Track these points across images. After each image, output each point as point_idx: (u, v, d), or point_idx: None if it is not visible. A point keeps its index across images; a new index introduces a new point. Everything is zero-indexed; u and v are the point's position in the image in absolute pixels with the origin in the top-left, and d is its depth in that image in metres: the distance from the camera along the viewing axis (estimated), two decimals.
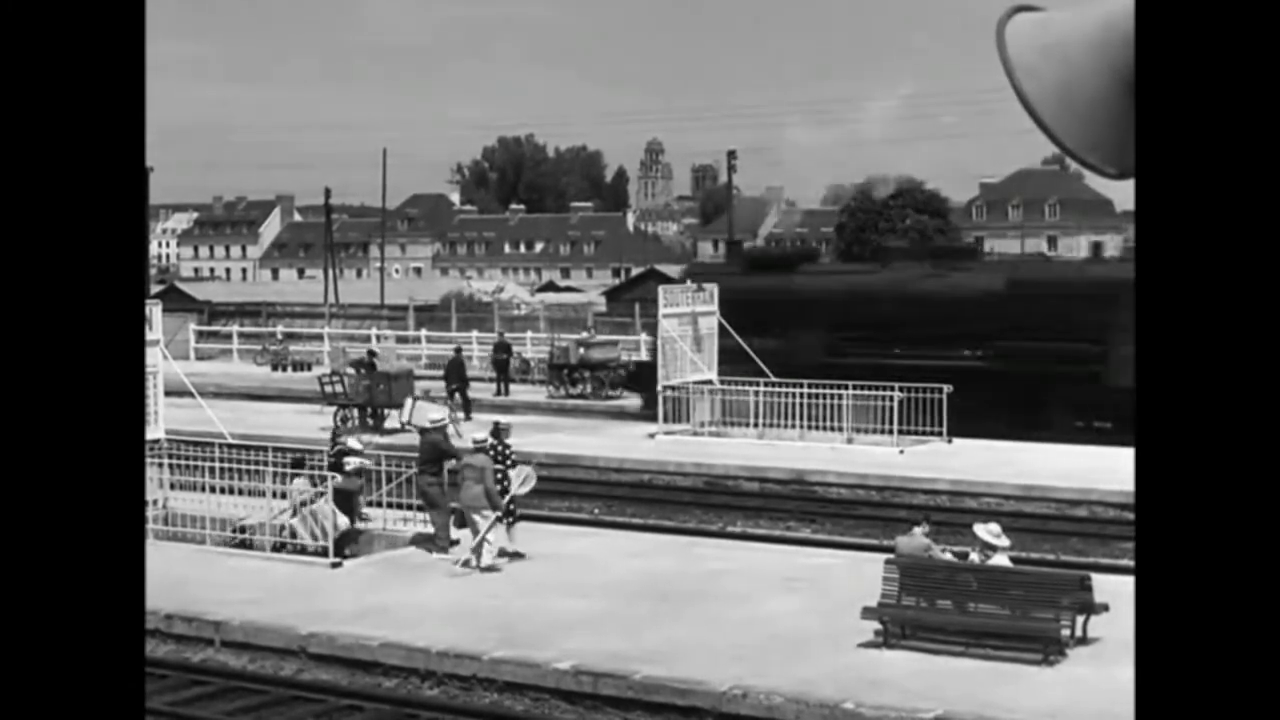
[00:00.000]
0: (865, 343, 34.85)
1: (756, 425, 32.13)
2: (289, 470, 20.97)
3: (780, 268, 39.99)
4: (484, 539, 19.35)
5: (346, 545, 20.26)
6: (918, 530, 17.26)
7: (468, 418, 35.24)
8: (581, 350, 42.55)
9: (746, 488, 28.51)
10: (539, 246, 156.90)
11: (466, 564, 19.33)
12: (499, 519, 19.62)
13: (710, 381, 33.32)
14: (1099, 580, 15.92)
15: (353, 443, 22.29)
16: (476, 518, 19.30)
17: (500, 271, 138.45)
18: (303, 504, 20.32)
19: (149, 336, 21.47)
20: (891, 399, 30.68)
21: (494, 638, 16.07)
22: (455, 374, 37.04)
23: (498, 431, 21.24)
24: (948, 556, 17.23)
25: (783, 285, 37.30)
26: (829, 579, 18.88)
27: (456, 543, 19.96)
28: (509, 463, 20.44)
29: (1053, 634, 15.12)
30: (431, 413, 23.23)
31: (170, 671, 16.30)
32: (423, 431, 21.83)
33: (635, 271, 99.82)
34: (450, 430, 22.22)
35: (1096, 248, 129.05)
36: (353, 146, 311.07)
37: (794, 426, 31.72)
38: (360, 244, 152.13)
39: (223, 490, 21.71)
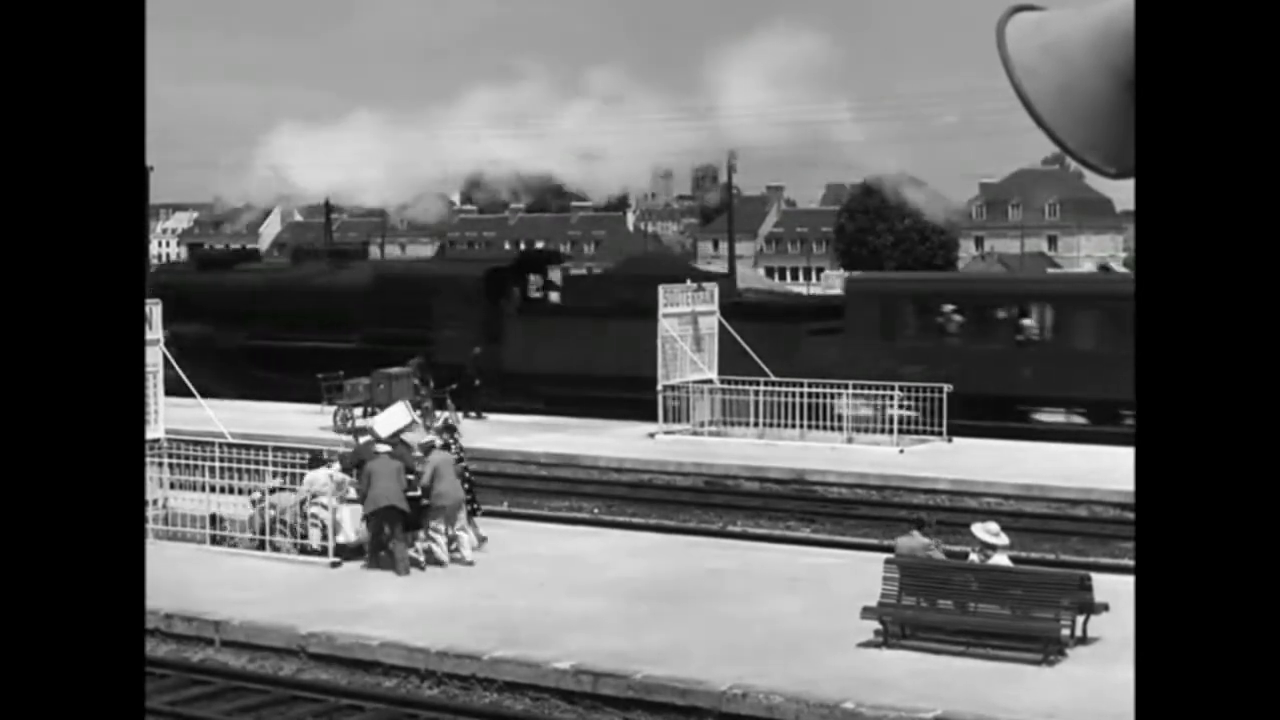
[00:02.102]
0: (272, 329, 41.24)
1: (756, 425, 32.13)
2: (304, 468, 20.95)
3: (221, 265, 47.79)
4: (456, 534, 19.58)
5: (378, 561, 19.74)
6: (917, 531, 17.26)
7: (479, 416, 35.21)
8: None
9: (746, 487, 28.50)
10: (539, 246, 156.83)
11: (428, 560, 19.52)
12: (470, 513, 20.00)
13: (710, 381, 33.32)
14: (1099, 580, 15.93)
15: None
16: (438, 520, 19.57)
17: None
18: (272, 491, 20.41)
19: (149, 336, 21.47)
20: (891, 399, 30.72)
21: (494, 637, 16.07)
22: (468, 371, 36.96)
23: (450, 428, 21.52)
24: (943, 556, 17.22)
25: (217, 281, 44.30)
26: (829, 579, 18.88)
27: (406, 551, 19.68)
28: (459, 457, 20.52)
29: (1053, 634, 15.13)
30: (393, 421, 21.46)
31: (170, 671, 16.30)
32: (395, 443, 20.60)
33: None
34: (413, 439, 20.94)
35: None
36: (352, 146, 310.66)
37: (794, 426, 31.73)
38: (360, 244, 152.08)
39: (223, 490, 21.70)
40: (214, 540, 20.93)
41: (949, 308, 35.55)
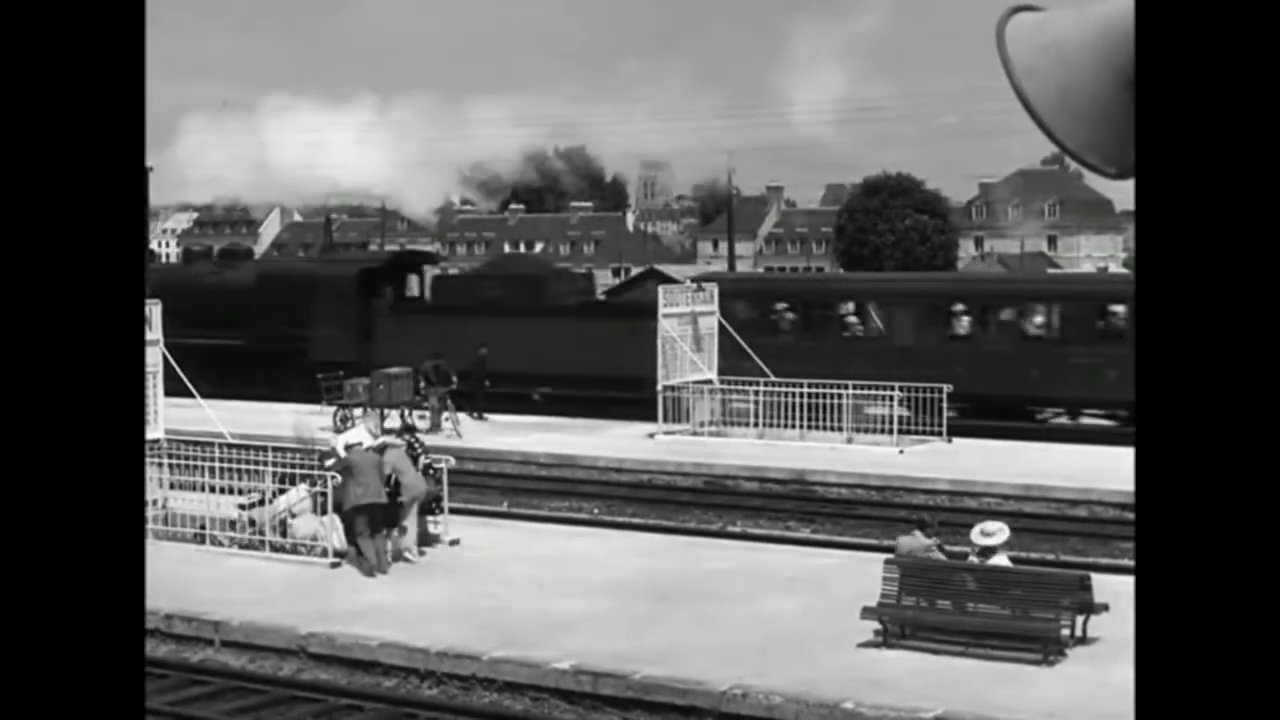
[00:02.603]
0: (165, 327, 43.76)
1: (756, 425, 32.15)
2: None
3: None
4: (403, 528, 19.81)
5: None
6: (918, 530, 17.26)
7: (480, 417, 35.20)
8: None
9: (746, 487, 28.51)
10: (539, 246, 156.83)
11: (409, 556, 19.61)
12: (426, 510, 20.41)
13: (710, 381, 33.33)
14: (1099, 580, 15.93)
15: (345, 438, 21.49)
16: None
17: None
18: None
19: (149, 336, 21.47)
20: (891, 399, 30.73)
21: (494, 637, 16.07)
22: (476, 373, 36.92)
23: (411, 429, 22.20)
24: (944, 557, 17.22)
25: None
26: (829, 579, 18.88)
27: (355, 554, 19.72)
28: (417, 457, 20.57)
29: (1053, 634, 15.13)
30: (355, 434, 21.46)
31: (170, 671, 16.30)
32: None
33: (635, 271, 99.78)
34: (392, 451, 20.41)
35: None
36: (352, 146, 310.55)
37: (794, 426, 31.75)
38: (360, 244, 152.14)
39: (223, 490, 21.70)
40: (202, 540, 20.91)
41: (781, 305, 37.88)
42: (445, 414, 33.46)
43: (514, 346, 37.16)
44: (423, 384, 33.72)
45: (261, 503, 20.66)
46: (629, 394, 34.74)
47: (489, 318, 38.80)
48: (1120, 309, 33.28)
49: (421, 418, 33.32)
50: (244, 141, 51.05)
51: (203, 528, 21.02)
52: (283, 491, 20.66)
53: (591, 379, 36.99)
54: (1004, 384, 33.56)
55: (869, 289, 41.75)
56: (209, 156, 50.50)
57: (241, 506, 20.78)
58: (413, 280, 44.73)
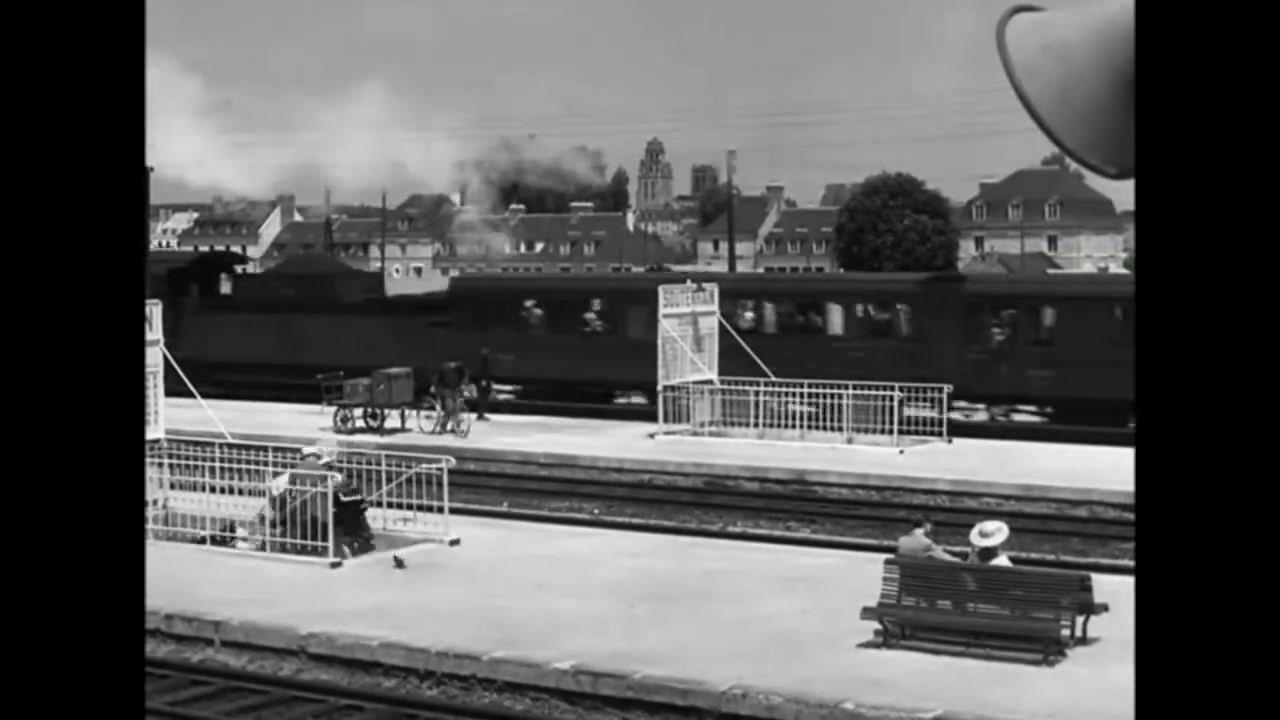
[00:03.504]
0: None
1: (756, 425, 32.16)
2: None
3: None
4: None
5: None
6: (919, 531, 17.27)
7: (481, 417, 35.16)
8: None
9: (747, 488, 28.51)
10: (539, 246, 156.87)
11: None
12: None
13: (710, 381, 33.34)
14: (1099, 580, 15.93)
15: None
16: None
17: (500, 271, 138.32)
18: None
19: (149, 336, 21.48)
20: (891, 399, 30.74)
21: (494, 638, 16.07)
22: (480, 373, 36.92)
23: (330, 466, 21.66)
24: (947, 557, 17.21)
25: None
26: (829, 579, 18.87)
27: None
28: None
29: (1053, 634, 15.12)
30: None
31: (170, 671, 16.30)
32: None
33: (635, 272, 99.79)
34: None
35: None
36: (353, 146, 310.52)
37: (794, 426, 31.75)
38: (360, 244, 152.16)
39: (223, 490, 21.71)
40: (215, 540, 20.96)
41: (530, 303, 41.09)
42: (459, 415, 33.48)
43: (303, 341, 40.38)
44: (435, 386, 33.72)
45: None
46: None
47: (283, 314, 41.85)
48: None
49: (428, 418, 33.35)
50: (243, 140, 51.55)
51: (231, 529, 21.09)
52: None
53: (372, 372, 39.99)
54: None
55: (606, 288, 45.50)
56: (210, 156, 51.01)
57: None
58: (225, 280, 47.71)
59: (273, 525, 20.43)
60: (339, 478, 20.38)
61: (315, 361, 37.95)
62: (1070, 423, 32.42)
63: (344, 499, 20.17)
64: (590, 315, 39.98)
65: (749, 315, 38.31)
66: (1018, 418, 34.91)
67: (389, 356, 37.04)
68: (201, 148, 49.99)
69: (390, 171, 52.18)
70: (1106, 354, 31.50)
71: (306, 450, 21.21)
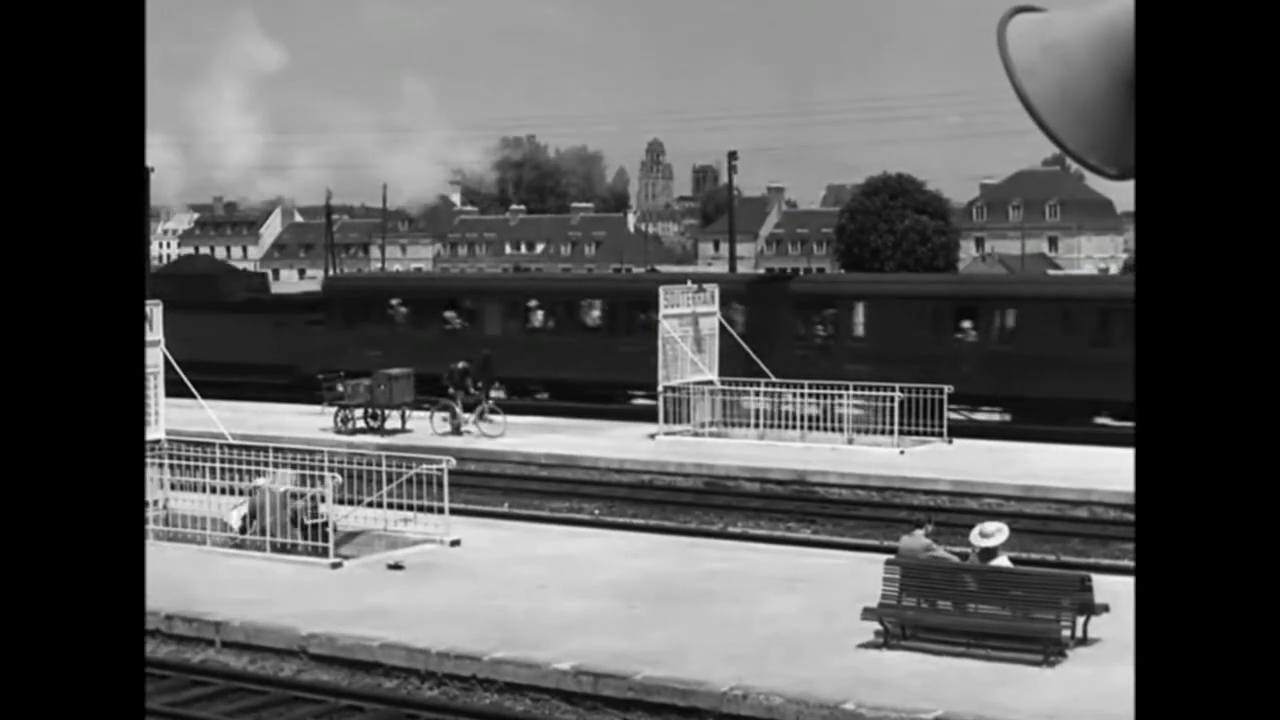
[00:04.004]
0: None
1: (757, 426, 32.17)
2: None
3: None
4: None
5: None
6: (920, 531, 17.27)
7: (481, 417, 35.14)
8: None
9: (747, 488, 28.51)
10: (539, 247, 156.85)
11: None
12: None
13: (711, 382, 33.35)
14: (1099, 581, 15.93)
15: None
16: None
17: (501, 272, 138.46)
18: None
19: (149, 336, 21.48)
20: (891, 399, 30.75)
21: (494, 638, 16.07)
22: (482, 373, 36.87)
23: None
24: (948, 557, 17.21)
25: None
26: (829, 580, 18.88)
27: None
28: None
29: (1053, 635, 15.12)
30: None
31: (170, 672, 16.30)
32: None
33: (636, 272, 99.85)
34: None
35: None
36: (353, 146, 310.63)
37: (795, 427, 31.76)
38: (361, 245, 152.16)
39: (223, 491, 21.71)
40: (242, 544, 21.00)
41: (395, 302, 42.90)
42: (467, 415, 33.50)
43: (187, 338, 41.85)
44: (450, 387, 33.73)
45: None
46: (282, 380, 40.36)
47: (168, 313, 43.82)
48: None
49: (445, 419, 33.37)
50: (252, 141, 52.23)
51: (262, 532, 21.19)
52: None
53: (254, 366, 41.89)
54: (562, 370, 39.00)
55: (465, 287, 48.61)
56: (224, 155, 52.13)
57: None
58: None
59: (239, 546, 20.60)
60: (300, 503, 20.41)
61: (198, 357, 38.99)
62: (885, 417, 33.26)
63: (307, 523, 20.25)
64: (450, 314, 41.89)
65: (595, 314, 40.59)
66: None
67: (268, 354, 40.31)
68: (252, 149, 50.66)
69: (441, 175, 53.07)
70: (916, 349, 33.86)
71: (259, 482, 21.19)
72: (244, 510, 20.84)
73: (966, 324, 35.81)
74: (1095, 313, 34.55)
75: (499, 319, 41.39)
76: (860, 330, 37.58)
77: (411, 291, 45.39)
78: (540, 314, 41.28)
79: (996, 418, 35.47)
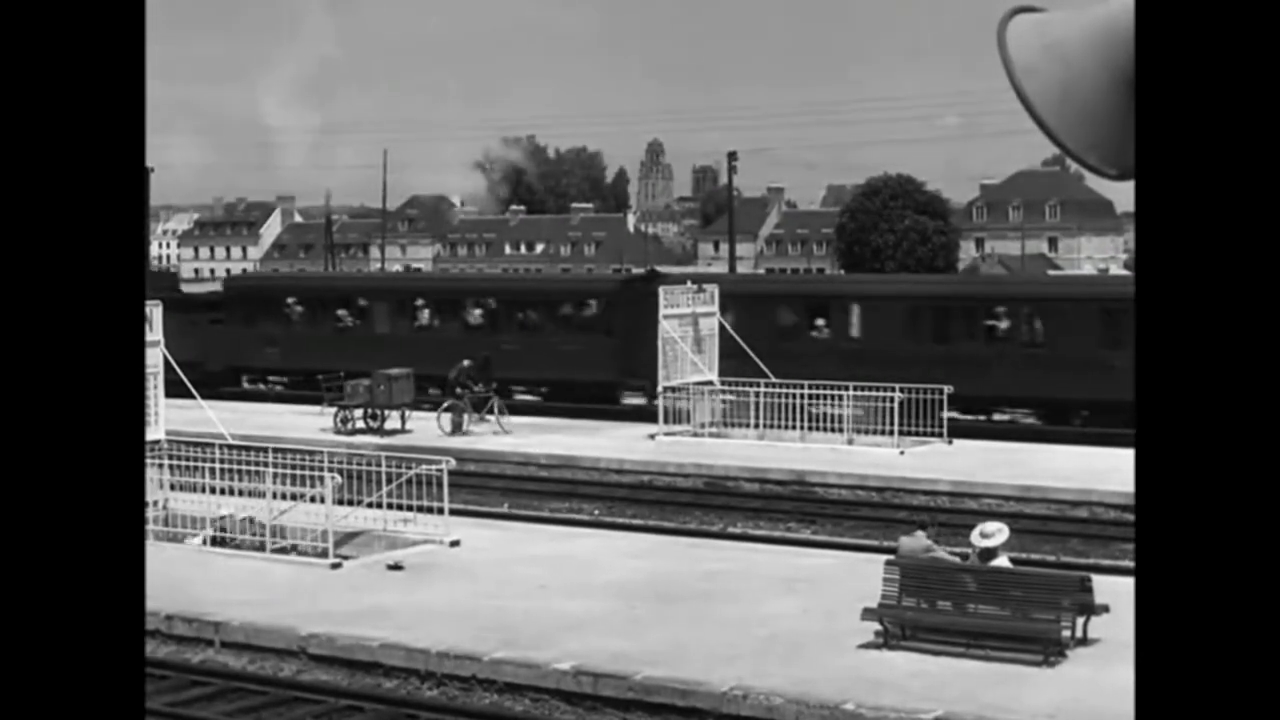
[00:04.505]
0: None
1: (757, 426, 32.16)
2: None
3: None
4: None
5: None
6: (920, 531, 17.26)
7: (482, 418, 35.14)
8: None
9: (747, 489, 28.51)
10: (539, 248, 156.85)
11: None
12: None
13: (711, 382, 33.35)
14: (1099, 581, 15.92)
15: None
16: None
17: (501, 272, 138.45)
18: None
19: (149, 337, 21.49)
20: (892, 400, 30.76)
21: (494, 638, 16.07)
22: (481, 373, 36.89)
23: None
24: (948, 557, 17.21)
25: None
26: (829, 580, 18.88)
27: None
28: None
29: (1053, 635, 15.12)
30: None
31: (170, 672, 16.30)
32: None
33: (636, 273, 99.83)
34: None
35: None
36: (353, 147, 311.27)
37: (794, 427, 31.76)
38: (360, 245, 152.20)
39: (223, 491, 21.71)
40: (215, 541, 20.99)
41: (291, 300, 44.33)
42: (471, 415, 33.52)
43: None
44: (457, 387, 33.77)
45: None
46: (189, 376, 41.94)
47: None
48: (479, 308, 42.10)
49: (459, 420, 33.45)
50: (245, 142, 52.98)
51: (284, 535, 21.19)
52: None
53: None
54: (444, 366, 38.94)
55: (359, 286, 50.73)
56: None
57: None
58: None
59: None
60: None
61: None
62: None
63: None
64: (342, 312, 43.72)
65: (477, 313, 42.56)
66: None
67: (176, 351, 40.22)
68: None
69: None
70: (770, 346, 34.99)
71: (222, 512, 21.31)
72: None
73: (820, 321, 38.13)
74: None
75: (388, 317, 43.32)
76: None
77: (306, 291, 47.30)
78: (426, 312, 43.05)
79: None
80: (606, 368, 38.96)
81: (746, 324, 35.98)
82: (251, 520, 21.04)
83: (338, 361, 37.90)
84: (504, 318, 41.88)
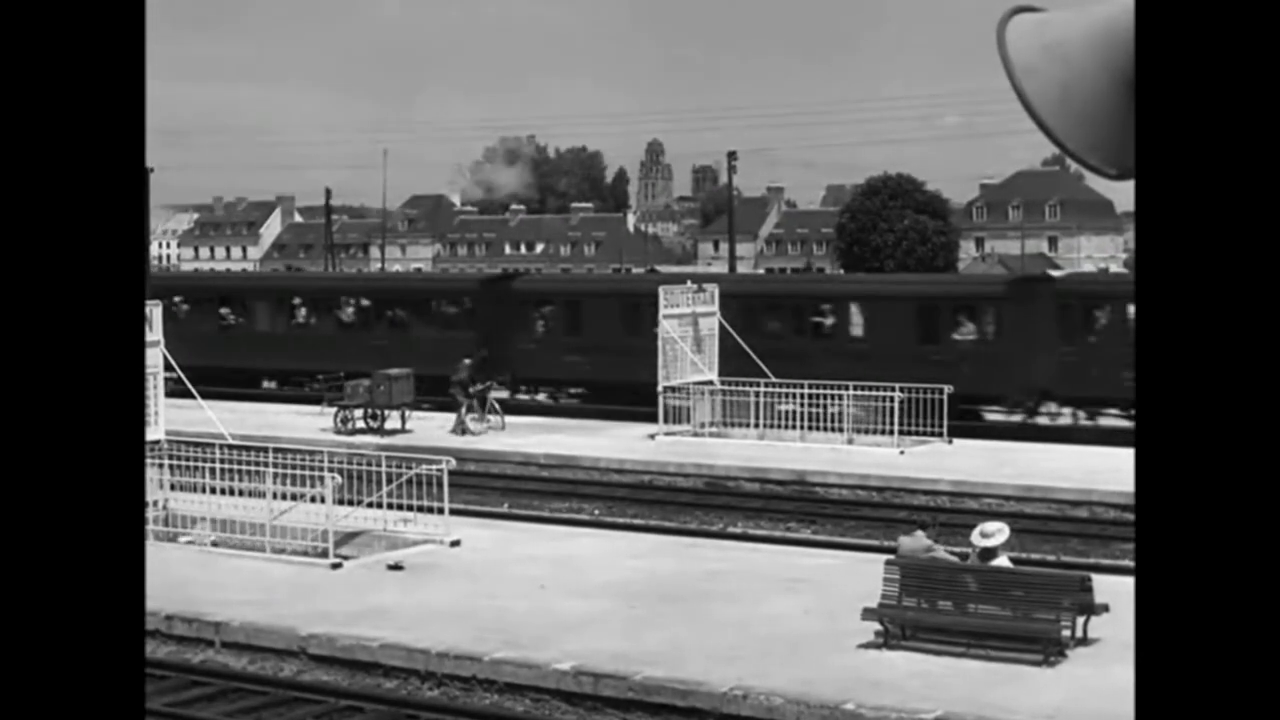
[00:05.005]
0: None
1: (757, 426, 32.17)
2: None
3: None
4: None
5: None
6: (920, 532, 17.26)
7: (482, 418, 35.13)
8: None
9: (747, 488, 28.51)
10: (539, 247, 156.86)
11: None
12: None
13: (711, 382, 33.36)
14: (1099, 581, 15.93)
15: None
16: None
17: (501, 272, 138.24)
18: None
19: (149, 337, 21.49)
20: (891, 400, 30.76)
21: (494, 638, 16.07)
22: (480, 373, 36.90)
23: None
24: (949, 557, 17.21)
25: None
26: (829, 580, 18.88)
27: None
28: None
29: (1053, 635, 15.13)
30: None
31: (170, 673, 16.30)
32: None
33: (636, 272, 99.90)
34: None
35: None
36: (353, 147, 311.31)
37: (794, 427, 31.76)
38: (360, 245, 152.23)
39: (223, 491, 21.71)
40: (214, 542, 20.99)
41: (178, 299, 45.03)
42: (472, 415, 33.53)
43: None
44: (465, 387, 33.81)
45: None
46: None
47: None
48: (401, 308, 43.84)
49: (474, 418, 33.50)
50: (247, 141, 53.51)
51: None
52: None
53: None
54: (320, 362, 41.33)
55: (239, 285, 53.68)
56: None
57: None
58: None
59: None
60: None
61: None
62: (599, 402, 37.49)
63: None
64: (224, 310, 46.04)
65: (350, 310, 44.64)
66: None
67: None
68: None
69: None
70: (623, 343, 37.50)
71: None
72: None
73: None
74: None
75: (268, 315, 45.11)
76: (577, 326, 40.97)
77: (190, 290, 49.89)
78: (303, 310, 45.30)
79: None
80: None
81: (593, 323, 39.28)
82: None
83: (221, 358, 40.00)
84: (375, 315, 44.03)
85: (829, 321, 38.35)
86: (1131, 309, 35.70)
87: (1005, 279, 53.78)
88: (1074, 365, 33.68)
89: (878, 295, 39.48)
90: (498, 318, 41.11)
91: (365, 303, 44.83)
